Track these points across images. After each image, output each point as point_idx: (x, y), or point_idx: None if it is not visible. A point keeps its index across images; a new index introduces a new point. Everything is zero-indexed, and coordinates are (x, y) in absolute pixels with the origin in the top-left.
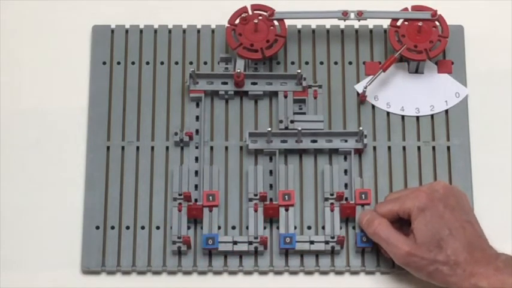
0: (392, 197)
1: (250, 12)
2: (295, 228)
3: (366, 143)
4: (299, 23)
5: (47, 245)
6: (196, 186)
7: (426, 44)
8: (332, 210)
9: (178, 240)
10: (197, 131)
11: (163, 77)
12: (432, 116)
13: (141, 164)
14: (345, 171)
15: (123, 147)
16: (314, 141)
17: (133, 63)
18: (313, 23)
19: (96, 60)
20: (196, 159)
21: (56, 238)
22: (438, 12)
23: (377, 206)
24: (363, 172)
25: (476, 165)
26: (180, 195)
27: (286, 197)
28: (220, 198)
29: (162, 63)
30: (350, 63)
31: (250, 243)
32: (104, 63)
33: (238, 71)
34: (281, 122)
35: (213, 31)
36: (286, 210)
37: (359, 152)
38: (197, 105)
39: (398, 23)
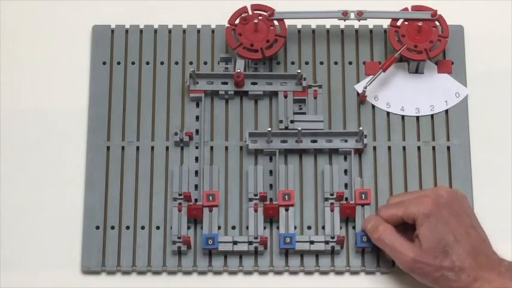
0: (395, 200)
1: (250, 12)
2: (295, 228)
3: (366, 143)
4: (299, 23)
5: (47, 245)
6: (196, 186)
7: (426, 44)
8: (332, 210)
9: (178, 240)
10: (197, 131)
11: (163, 77)
12: (432, 116)
13: (141, 164)
14: (345, 171)
15: (123, 147)
16: (314, 141)
17: (133, 63)
18: (313, 23)
19: (96, 60)
20: (196, 159)
21: (56, 238)
22: (438, 12)
23: (380, 210)
24: (363, 172)
25: (476, 165)
26: (180, 195)
27: (286, 197)
28: (220, 198)
29: (162, 63)
30: (350, 63)
31: (250, 243)
32: (104, 63)
33: (238, 71)
34: (281, 122)
35: (213, 31)
36: (286, 210)
37: (359, 152)
38: (197, 105)
39: (398, 23)
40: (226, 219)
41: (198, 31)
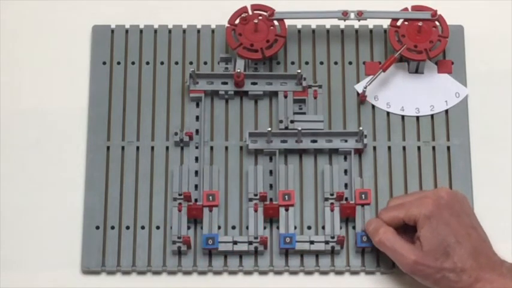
0: (396, 202)
1: (250, 12)
2: (295, 228)
3: (366, 143)
4: (299, 23)
5: (47, 245)
6: (196, 186)
7: (426, 44)
8: (332, 210)
9: (178, 240)
10: (197, 131)
11: (163, 77)
12: (432, 116)
13: (141, 164)
14: (345, 171)
15: (123, 147)
16: (314, 141)
17: (133, 63)
18: (313, 23)
19: (96, 60)
20: (196, 159)
21: (56, 238)
22: (438, 12)
23: (381, 213)
24: (363, 172)
25: (476, 165)
26: (180, 195)
27: (286, 197)
28: (220, 198)
29: (162, 63)
30: (350, 63)
31: (250, 243)
32: (104, 63)
33: (238, 71)
34: (281, 122)
35: (213, 31)
36: (286, 210)
37: (359, 152)
38: (197, 105)
39: (398, 23)
40: (226, 219)
41: (198, 31)
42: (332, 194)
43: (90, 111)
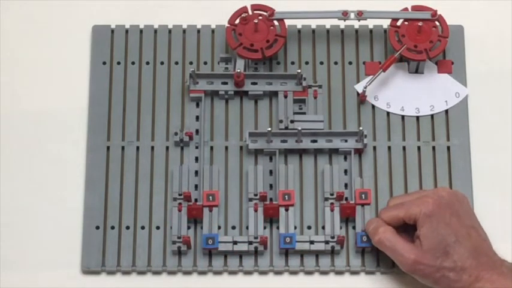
0: (396, 202)
1: (250, 12)
2: (295, 228)
3: (366, 143)
4: (299, 23)
5: (47, 245)
6: (196, 186)
7: (426, 44)
8: (332, 210)
9: (178, 240)
10: (197, 131)
11: (163, 77)
12: (432, 116)
13: (141, 164)
14: (345, 171)
15: (123, 147)
16: (314, 141)
17: (133, 63)
18: (313, 23)
19: (96, 60)
20: (196, 159)
21: (56, 238)
22: (438, 12)
23: (381, 212)
24: (363, 172)
25: (476, 165)
26: (180, 195)
27: (286, 197)
28: (220, 198)
29: (162, 63)
30: (350, 63)
31: (250, 243)
32: (104, 63)
33: (238, 71)
34: (281, 122)
35: (213, 31)
36: (286, 210)
37: (359, 152)
38: (197, 105)
39: (398, 23)
40: (226, 219)
41: (198, 31)
42: (332, 194)
43: (90, 111)
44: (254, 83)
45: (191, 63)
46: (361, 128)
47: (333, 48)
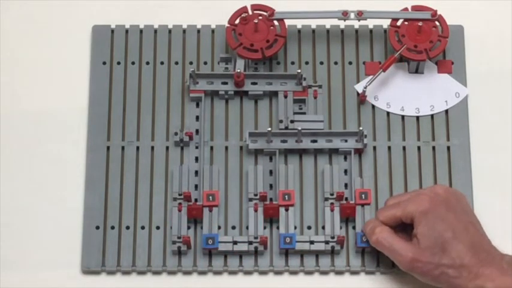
0: (393, 201)
1: (250, 12)
2: (295, 228)
3: (366, 143)
4: (299, 23)
5: (47, 245)
6: (196, 186)
7: (426, 44)
8: (332, 210)
9: (178, 240)
10: (197, 131)
11: (163, 77)
12: (432, 116)
13: (141, 164)
14: (345, 171)
15: (123, 147)
16: (314, 141)
17: (133, 63)
18: (313, 23)
19: (96, 60)
20: (196, 159)
21: (56, 238)
22: (438, 12)
23: (379, 212)
24: (363, 172)
25: (476, 165)
26: (180, 195)
27: (286, 197)
28: (220, 198)
29: (162, 63)
30: (350, 63)
31: (250, 243)
32: (104, 63)
33: (238, 71)
34: (281, 122)
35: (213, 31)
36: (286, 210)
37: (359, 152)
38: (197, 105)
39: (398, 23)
40: (226, 219)
41: (198, 31)
42: (332, 194)
43: (90, 111)
44: (254, 83)
45: (191, 63)
46: (361, 128)
47: (333, 48)
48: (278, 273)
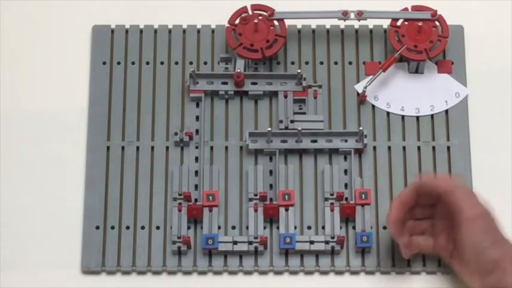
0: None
1: (250, 12)
2: (295, 228)
3: (366, 143)
4: (299, 23)
5: (47, 245)
6: (196, 186)
7: (426, 44)
8: (332, 210)
9: (178, 240)
10: (197, 131)
11: (163, 77)
12: (432, 116)
13: (141, 164)
14: (345, 171)
15: (123, 147)
16: (314, 141)
17: (133, 63)
18: (313, 23)
19: (96, 60)
20: (196, 159)
21: (56, 238)
22: (438, 12)
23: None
24: (363, 172)
25: (476, 165)
26: (180, 195)
27: (286, 197)
28: (220, 198)
29: (162, 63)
30: (350, 63)
31: (250, 243)
32: (104, 63)
33: (238, 71)
34: (281, 122)
35: (213, 31)
36: (286, 210)
37: (359, 152)
38: (197, 105)
39: (398, 23)
40: (226, 219)
41: (198, 31)
42: (332, 194)
43: (90, 111)
44: (254, 83)
45: (191, 63)
46: (361, 128)
47: (333, 48)
48: (278, 273)
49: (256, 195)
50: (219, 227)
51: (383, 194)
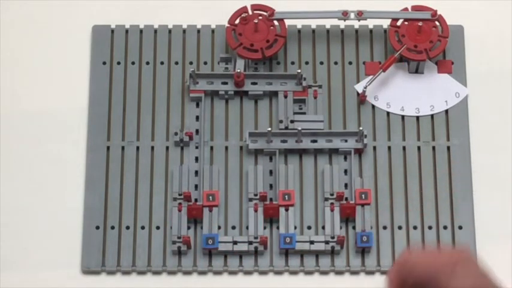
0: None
1: (250, 12)
2: (295, 228)
3: (366, 143)
4: (299, 23)
5: (47, 245)
6: (196, 186)
7: (426, 44)
8: (332, 210)
9: (178, 240)
10: (197, 131)
11: (163, 77)
12: (432, 116)
13: (141, 164)
14: (345, 171)
15: (123, 147)
16: (314, 141)
17: (133, 63)
18: (313, 23)
19: (96, 60)
20: (196, 159)
21: (56, 238)
22: (438, 12)
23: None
24: (363, 172)
25: (476, 165)
26: (180, 195)
27: (286, 197)
28: (220, 198)
29: (162, 63)
30: (350, 63)
31: (250, 243)
32: (104, 63)
33: (238, 71)
34: (281, 122)
35: (213, 31)
36: (286, 210)
37: (359, 152)
38: (197, 105)
39: (398, 23)
40: (226, 219)
41: (198, 31)
42: (332, 194)
43: (90, 111)
44: (254, 83)
45: (191, 63)
46: (361, 128)
47: (333, 48)
48: (278, 273)
49: (256, 195)
50: (219, 227)
51: (383, 194)
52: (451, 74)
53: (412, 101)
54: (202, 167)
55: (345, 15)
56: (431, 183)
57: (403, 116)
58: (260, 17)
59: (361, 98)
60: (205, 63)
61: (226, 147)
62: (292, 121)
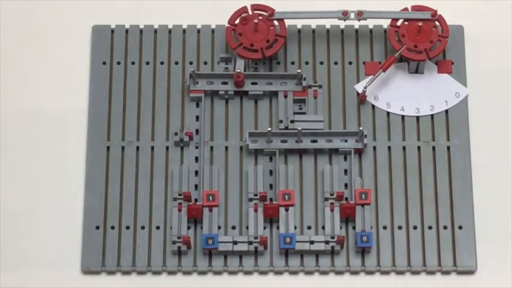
0: None
1: (250, 12)
2: (295, 228)
3: (366, 143)
4: (299, 23)
5: (47, 245)
6: (196, 186)
7: (426, 44)
8: (332, 210)
9: (178, 240)
10: (197, 131)
11: (163, 77)
12: (432, 116)
13: (141, 164)
14: (345, 171)
15: (123, 147)
16: (314, 141)
17: (133, 63)
18: (313, 23)
19: (96, 60)
20: (196, 159)
21: (56, 238)
22: (438, 12)
23: None
24: (363, 172)
25: (476, 165)
26: (180, 195)
27: (286, 197)
28: (220, 198)
29: (162, 63)
30: (350, 63)
31: (250, 243)
32: (104, 63)
33: (238, 71)
34: (281, 122)
35: (213, 31)
36: (286, 210)
37: (359, 152)
38: (197, 105)
39: (398, 23)
40: (226, 219)
41: (198, 31)
42: (332, 194)
43: (90, 111)
44: (254, 83)
45: (191, 63)
46: (361, 128)
47: (333, 48)
48: (278, 273)
49: (256, 195)
50: (219, 227)
51: (383, 194)
52: (451, 74)
53: (412, 101)
54: (202, 167)
55: (345, 15)
56: (431, 183)
57: (403, 116)
58: (260, 17)
59: (361, 98)
60: (205, 63)
61: (226, 147)
62: (292, 121)
